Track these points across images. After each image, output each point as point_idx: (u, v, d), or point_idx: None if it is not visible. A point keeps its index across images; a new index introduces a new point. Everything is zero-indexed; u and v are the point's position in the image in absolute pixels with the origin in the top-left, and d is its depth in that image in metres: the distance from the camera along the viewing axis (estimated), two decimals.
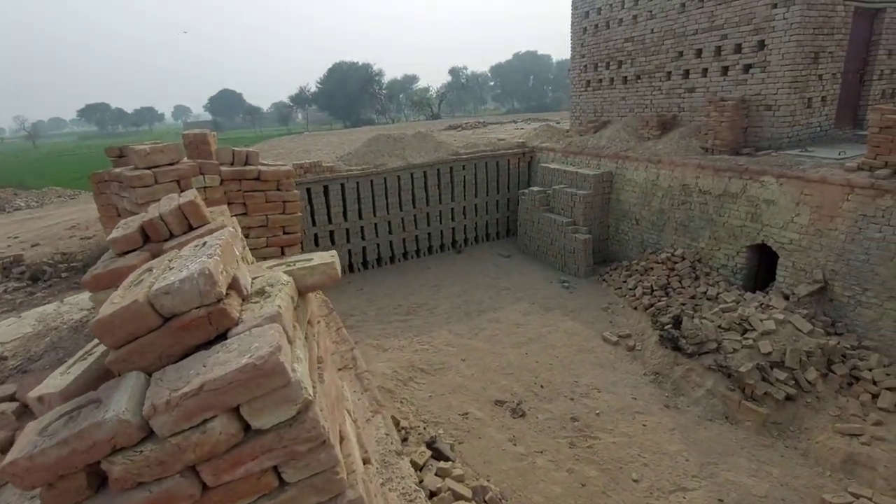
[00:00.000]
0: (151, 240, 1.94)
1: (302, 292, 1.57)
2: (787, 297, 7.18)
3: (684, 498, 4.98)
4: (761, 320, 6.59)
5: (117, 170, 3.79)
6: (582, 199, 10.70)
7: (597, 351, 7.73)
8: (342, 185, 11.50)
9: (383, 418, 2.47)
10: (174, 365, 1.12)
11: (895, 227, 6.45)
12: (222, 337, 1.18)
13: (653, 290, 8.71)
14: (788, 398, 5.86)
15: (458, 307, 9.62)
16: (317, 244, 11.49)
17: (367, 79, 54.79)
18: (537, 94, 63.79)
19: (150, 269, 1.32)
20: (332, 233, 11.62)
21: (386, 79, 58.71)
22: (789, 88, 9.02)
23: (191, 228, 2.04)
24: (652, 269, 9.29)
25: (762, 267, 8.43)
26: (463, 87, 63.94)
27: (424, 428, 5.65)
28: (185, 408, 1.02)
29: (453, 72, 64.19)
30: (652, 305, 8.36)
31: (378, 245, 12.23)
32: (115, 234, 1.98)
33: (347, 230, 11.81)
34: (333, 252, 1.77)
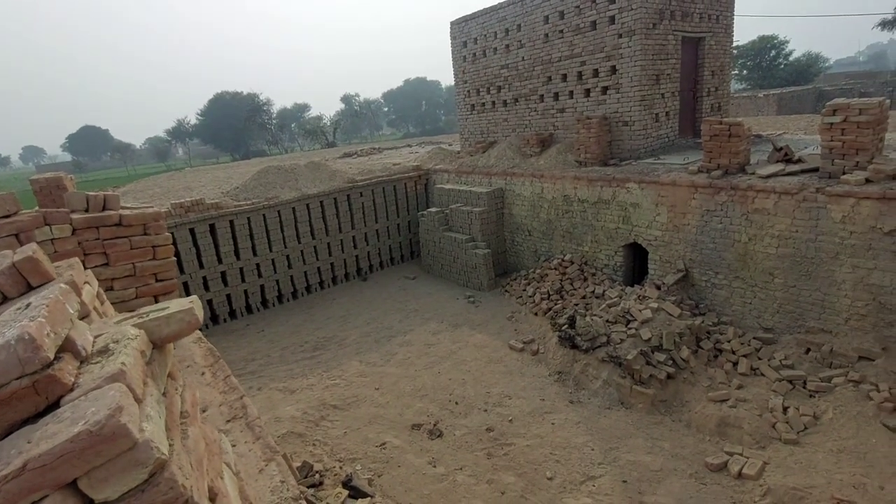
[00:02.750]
0: None
1: (158, 344, 1.46)
2: (658, 287, 8.13)
3: (594, 486, 5.33)
4: (640, 310, 7.37)
5: None
6: (478, 215, 11.21)
7: (505, 360, 8.05)
8: (231, 221, 10.82)
9: (278, 465, 2.34)
10: None
11: (731, 217, 7.65)
12: (56, 406, 1.07)
13: (549, 295, 9.34)
14: (669, 377, 6.59)
15: (368, 335, 9.46)
16: (206, 288, 10.62)
17: (254, 109, 52.56)
18: (431, 118, 66.02)
19: None
20: (223, 273, 10.84)
21: (275, 108, 56.83)
22: (640, 106, 10.38)
23: (31, 288, 1.80)
24: (547, 275, 9.98)
25: (637, 263, 9.46)
26: (357, 114, 64.06)
27: (340, 467, 5.42)
28: (5, 493, 0.90)
29: (346, 99, 64.14)
30: (550, 309, 8.95)
31: (277, 282, 11.64)
32: None
33: (241, 269, 11.09)
34: (193, 297, 1.68)
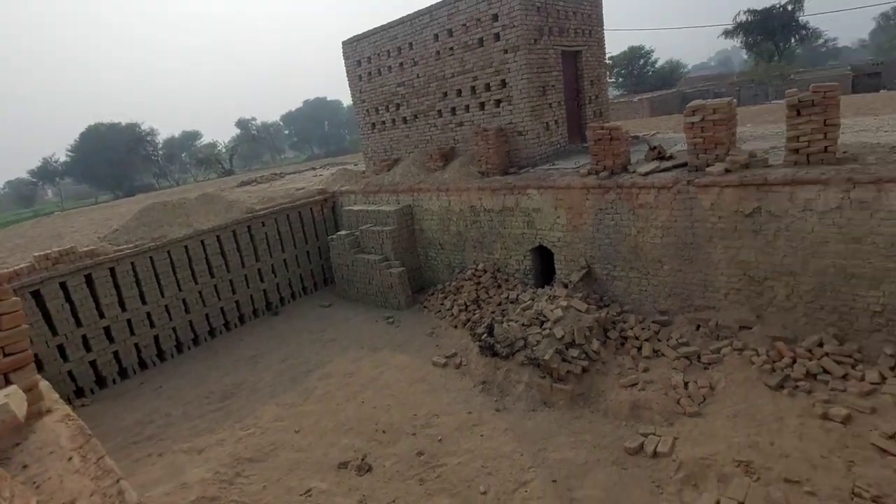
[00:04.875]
0: None
1: None
2: (566, 286, 8.53)
3: (526, 491, 5.36)
4: (552, 310, 7.66)
5: None
6: (388, 234, 11.06)
7: (429, 378, 7.93)
8: (111, 269, 9.61)
9: None
10: None
11: (621, 214, 8.26)
12: None
13: (467, 306, 9.42)
14: (584, 370, 6.88)
15: (283, 374, 8.84)
16: (88, 348, 9.29)
17: (135, 140, 47.95)
18: (335, 138, 64.88)
19: None
20: (107, 329, 9.56)
21: (161, 138, 52.38)
22: (531, 116, 10.94)
23: None
24: (462, 286, 10.07)
25: (545, 264, 9.88)
26: (254, 139, 61.07)
27: None
28: None
29: (241, 124, 60.93)
30: (469, 320, 9.02)
31: (174, 329, 10.51)
32: None
33: (129, 321, 9.86)
34: (12, 389, 1.36)
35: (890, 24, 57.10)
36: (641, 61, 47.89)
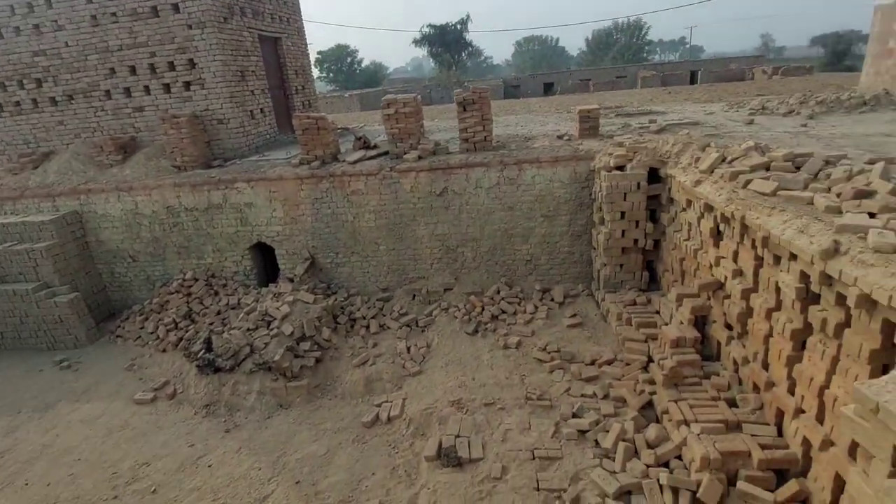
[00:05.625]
0: None
1: None
2: (291, 280, 8.24)
3: None
4: (278, 308, 7.26)
5: None
6: (45, 253, 8.31)
7: (133, 422, 6.41)
8: None
9: None
10: None
11: (336, 202, 8.42)
12: None
13: (177, 324, 8.01)
14: (318, 361, 6.81)
15: None
16: None
17: None
18: None
19: None
20: None
21: None
22: (231, 103, 9.94)
23: None
24: (168, 301, 8.50)
25: (267, 261, 9.30)
26: None
27: None
28: None
29: None
30: (181, 339, 7.69)
31: None
32: None
33: None
34: None
35: (522, 49, 76.95)
36: (349, 59, 50.44)
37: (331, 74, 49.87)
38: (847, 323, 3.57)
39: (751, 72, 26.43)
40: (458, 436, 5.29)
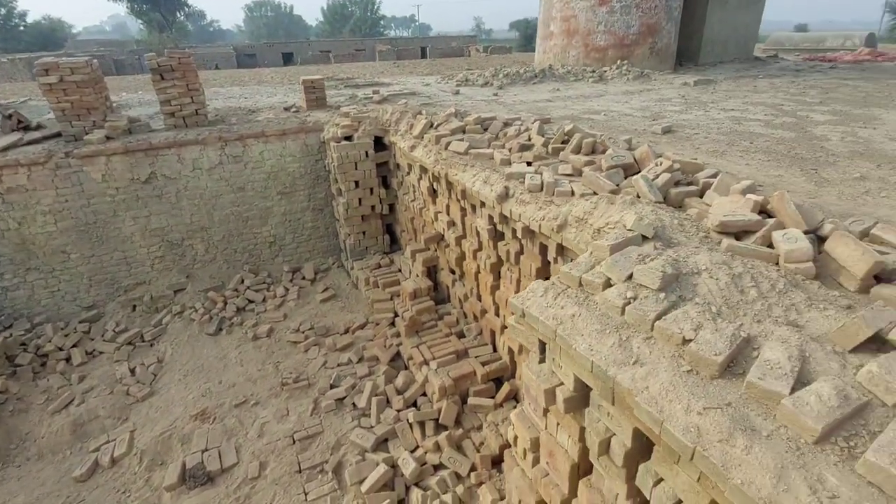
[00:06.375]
0: None
1: None
2: None
3: None
4: None
5: None
6: None
7: None
8: None
9: None
10: None
11: None
12: None
13: None
14: None
15: None
16: None
17: None
18: None
19: None
20: None
21: None
22: None
23: None
24: None
25: None
26: None
27: None
28: None
29: None
30: None
31: None
32: None
33: None
34: None
35: (254, 15, 70.37)
36: (2, 10, 37.15)
37: None
38: (522, 251, 4.44)
39: (468, 49, 30.42)
40: (205, 450, 4.69)
